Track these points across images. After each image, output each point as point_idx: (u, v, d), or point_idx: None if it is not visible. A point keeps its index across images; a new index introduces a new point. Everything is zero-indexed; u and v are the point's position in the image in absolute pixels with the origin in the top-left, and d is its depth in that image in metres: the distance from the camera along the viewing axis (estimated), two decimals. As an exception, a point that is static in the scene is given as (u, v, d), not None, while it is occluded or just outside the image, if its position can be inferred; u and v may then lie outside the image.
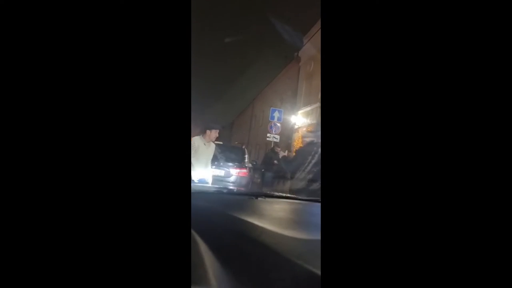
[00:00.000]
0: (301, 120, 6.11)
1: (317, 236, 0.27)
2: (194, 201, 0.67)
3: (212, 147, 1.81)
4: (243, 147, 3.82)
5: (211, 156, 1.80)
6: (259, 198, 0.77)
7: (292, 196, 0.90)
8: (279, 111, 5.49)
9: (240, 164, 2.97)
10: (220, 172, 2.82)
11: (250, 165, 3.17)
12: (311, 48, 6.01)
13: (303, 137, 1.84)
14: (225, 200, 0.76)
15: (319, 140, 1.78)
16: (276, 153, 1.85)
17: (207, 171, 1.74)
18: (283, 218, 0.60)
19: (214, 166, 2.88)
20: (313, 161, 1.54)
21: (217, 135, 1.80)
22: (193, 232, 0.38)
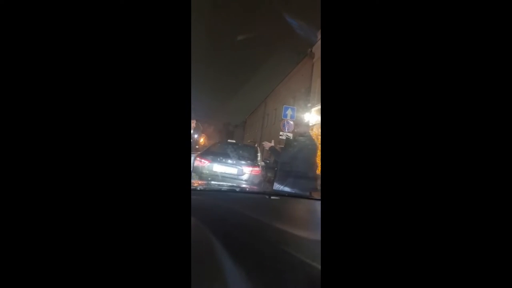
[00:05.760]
0: (314, 118, 5.98)
1: None
2: (207, 200, 0.68)
3: None
4: (256, 145, 3.83)
5: None
6: (272, 197, 0.77)
7: (306, 195, 0.88)
8: (292, 109, 5.42)
9: (253, 162, 2.97)
10: (233, 170, 2.85)
11: (262, 163, 3.16)
12: (325, 43, 5.77)
13: (295, 128, 1.80)
14: (238, 199, 0.76)
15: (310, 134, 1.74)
16: (274, 150, 1.78)
17: None
18: (296, 218, 0.59)
19: (227, 164, 2.91)
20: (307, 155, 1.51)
21: (194, 126, 1.94)
22: (206, 230, 0.38)
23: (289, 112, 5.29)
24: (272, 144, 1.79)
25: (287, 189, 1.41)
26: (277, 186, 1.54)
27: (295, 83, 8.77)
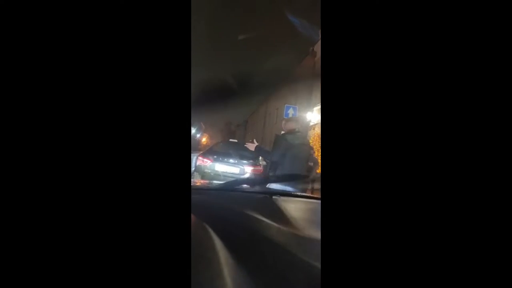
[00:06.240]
0: (316, 117, 5.95)
1: None
2: (209, 198, 0.68)
3: None
4: (258, 144, 3.82)
5: None
6: (273, 197, 0.77)
7: (308, 195, 0.88)
8: (293, 108, 5.41)
9: (255, 162, 2.98)
10: (235, 170, 2.86)
11: (264, 162, 3.16)
12: (327, 42, 5.73)
13: (285, 124, 1.72)
14: (240, 198, 0.76)
15: (302, 129, 1.65)
16: (260, 150, 1.69)
17: None
18: (298, 218, 0.59)
19: (229, 164, 2.92)
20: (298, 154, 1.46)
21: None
22: (209, 229, 0.39)
23: (290, 111, 5.29)
24: (256, 144, 1.70)
25: (278, 187, 1.40)
26: (268, 184, 1.52)
27: (297, 82, 8.74)
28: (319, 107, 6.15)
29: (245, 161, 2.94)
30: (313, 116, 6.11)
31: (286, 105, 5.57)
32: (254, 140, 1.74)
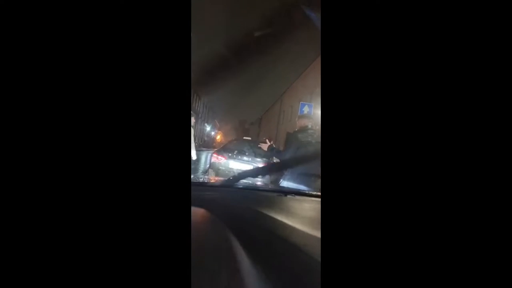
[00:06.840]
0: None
1: None
2: (224, 196, 0.69)
3: None
4: (272, 143, 3.80)
5: None
6: (288, 196, 0.76)
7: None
8: (309, 105, 5.28)
9: (269, 160, 2.97)
10: (249, 167, 2.87)
11: (278, 161, 3.14)
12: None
13: (297, 121, 1.66)
14: (254, 196, 0.76)
15: (316, 127, 1.59)
16: (271, 149, 1.67)
17: None
18: (313, 218, 0.57)
19: (243, 161, 2.94)
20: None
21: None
22: (225, 228, 0.39)
23: (306, 108, 5.16)
24: (268, 143, 1.69)
25: (292, 186, 1.37)
26: (281, 182, 1.50)
27: (312, 78, 8.52)
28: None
29: (259, 159, 2.94)
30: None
31: (301, 102, 5.45)
32: (267, 140, 1.74)
